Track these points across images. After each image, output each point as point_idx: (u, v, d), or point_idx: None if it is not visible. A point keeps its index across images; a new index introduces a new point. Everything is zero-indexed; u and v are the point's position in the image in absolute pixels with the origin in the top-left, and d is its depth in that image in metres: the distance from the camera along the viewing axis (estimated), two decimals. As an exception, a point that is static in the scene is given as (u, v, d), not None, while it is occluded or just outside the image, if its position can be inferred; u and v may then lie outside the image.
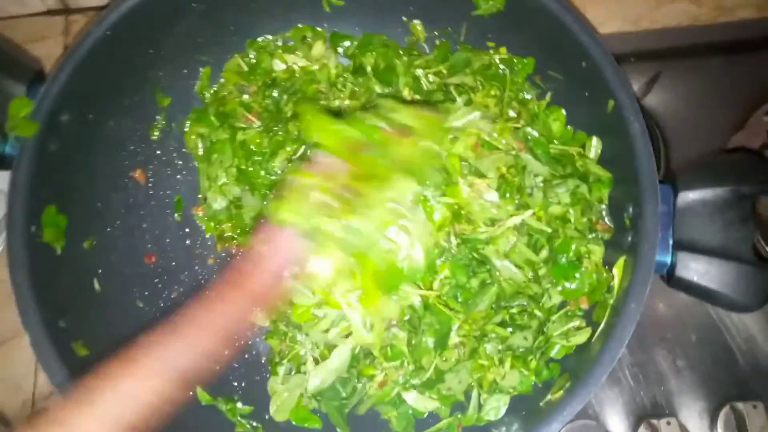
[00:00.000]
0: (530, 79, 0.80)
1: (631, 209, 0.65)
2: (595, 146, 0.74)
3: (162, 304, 0.79)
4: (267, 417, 0.73)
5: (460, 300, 0.71)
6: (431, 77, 0.82)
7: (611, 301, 0.64)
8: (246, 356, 0.79)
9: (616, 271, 0.65)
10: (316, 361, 0.73)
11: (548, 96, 0.79)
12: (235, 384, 0.77)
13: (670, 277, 0.64)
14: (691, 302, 0.86)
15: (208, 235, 0.84)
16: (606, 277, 0.68)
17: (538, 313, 0.71)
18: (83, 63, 0.69)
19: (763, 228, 0.71)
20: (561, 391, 0.61)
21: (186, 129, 0.84)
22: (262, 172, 0.81)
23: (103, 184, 0.76)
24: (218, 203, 0.82)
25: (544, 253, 0.72)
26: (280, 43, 0.86)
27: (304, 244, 0.60)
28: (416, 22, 0.83)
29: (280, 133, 0.81)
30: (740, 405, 0.79)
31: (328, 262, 0.62)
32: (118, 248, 0.76)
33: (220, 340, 0.53)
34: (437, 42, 0.84)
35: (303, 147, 0.79)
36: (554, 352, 0.69)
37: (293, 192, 0.61)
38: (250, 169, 0.81)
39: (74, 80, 0.69)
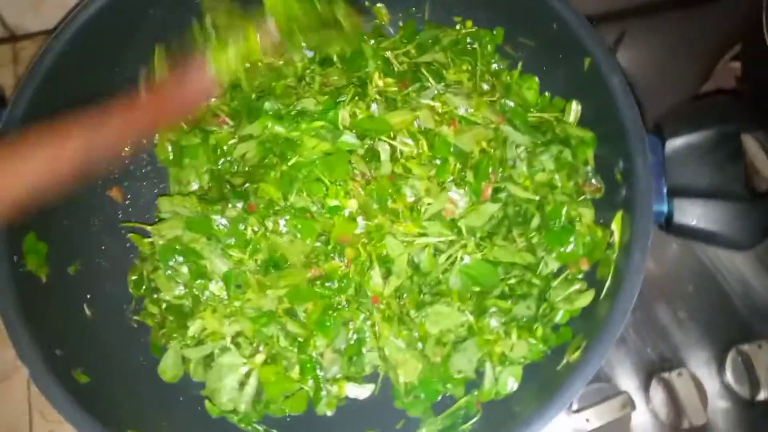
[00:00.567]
0: (501, 50, 0.80)
1: (621, 164, 0.65)
2: (574, 110, 0.74)
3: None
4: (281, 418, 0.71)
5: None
6: (401, 58, 0.81)
7: (614, 256, 0.64)
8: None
9: (615, 226, 0.65)
10: None
11: (520, 65, 0.79)
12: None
13: (669, 225, 0.64)
14: (683, 255, 0.87)
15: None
16: (602, 235, 0.68)
17: (535, 281, 0.70)
18: (44, 82, 0.67)
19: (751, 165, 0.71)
20: (578, 352, 0.61)
21: (156, 140, 0.82)
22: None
23: (79, 206, 0.74)
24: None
25: (535, 222, 0.72)
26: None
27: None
28: (380, 5, 0.82)
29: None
30: (745, 347, 0.80)
31: None
32: (104, 271, 0.74)
33: (125, 137, 0.63)
34: (400, 24, 0.83)
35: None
36: (559, 318, 0.69)
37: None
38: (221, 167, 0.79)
39: (37, 101, 0.67)
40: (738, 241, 0.62)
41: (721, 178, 0.62)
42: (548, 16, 0.69)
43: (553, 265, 0.71)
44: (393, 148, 0.73)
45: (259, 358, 0.70)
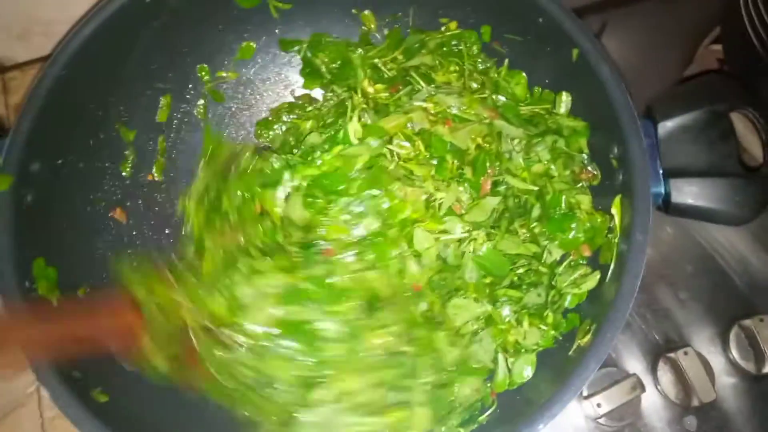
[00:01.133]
0: (487, 49, 0.81)
1: (616, 150, 0.66)
2: (564, 101, 0.75)
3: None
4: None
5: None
6: (389, 65, 0.82)
7: (616, 240, 0.65)
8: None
9: (615, 210, 0.66)
10: None
11: (506, 62, 0.80)
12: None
13: (667, 206, 0.65)
14: (680, 237, 0.89)
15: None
16: (601, 221, 0.69)
17: (543, 269, 0.71)
18: (43, 108, 0.67)
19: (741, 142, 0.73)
20: (588, 335, 0.62)
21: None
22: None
23: (84, 228, 0.74)
24: None
25: (536, 211, 0.73)
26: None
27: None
28: (367, 12, 0.83)
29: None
30: (747, 322, 0.82)
31: None
32: (111, 292, 0.74)
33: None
34: (386, 31, 0.85)
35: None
36: (567, 302, 0.70)
37: None
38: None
39: (37, 126, 0.67)
40: (735, 216, 0.64)
41: (715, 156, 0.64)
42: (533, 10, 0.70)
43: (557, 253, 0.72)
44: (391, 153, 0.74)
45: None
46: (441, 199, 0.71)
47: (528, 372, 0.69)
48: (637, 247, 0.60)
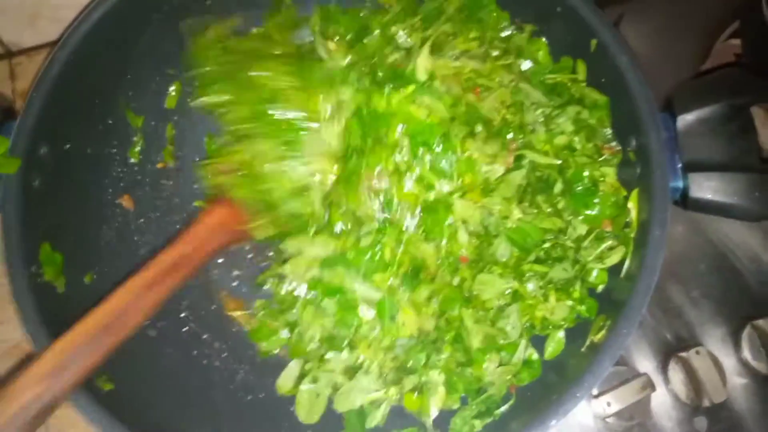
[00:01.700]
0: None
1: (634, 142, 0.65)
2: (581, 69, 0.73)
3: (172, 327, 0.76)
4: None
5: None
6: (408, 32, 0.79)
7: (632, 235, 0.64)
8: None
9: (632, 204, 0.65)
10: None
11: (527, 29, 0.77)
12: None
13: (685, 200, 0.64)
14: (693, 234, 0.88)
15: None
16: (624, 201, 0.68)
17: (570, 243, 0.70)
18: (52, 92, 0.66)
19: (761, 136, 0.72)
20: (603, 331, 0.61)
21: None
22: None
23: (91, 215, 0.73)
24: None
25: (558, 186, 0.71)
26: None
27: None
28: None
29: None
30: (760, 322, 0.81)
31: None
32: (118, 278, 0.73)
33: (158, 306, 0.63)
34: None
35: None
36: (593, 277, 0.68)
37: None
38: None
39: (46, 111, 0.66)
40: (754, 211, 0.63)
41: (735, 150, 0.63)
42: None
43: (581, 229, 0.70)
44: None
45: (408, 385, 0.69)
46: (487, 172, 0.71)
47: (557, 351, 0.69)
48: (654, 242, 0.59)
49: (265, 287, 0.77)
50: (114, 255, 0.74)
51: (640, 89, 0.63)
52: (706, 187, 0.63)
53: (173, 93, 0.82)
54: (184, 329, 0.77)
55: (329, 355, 0.71)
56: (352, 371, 0.70)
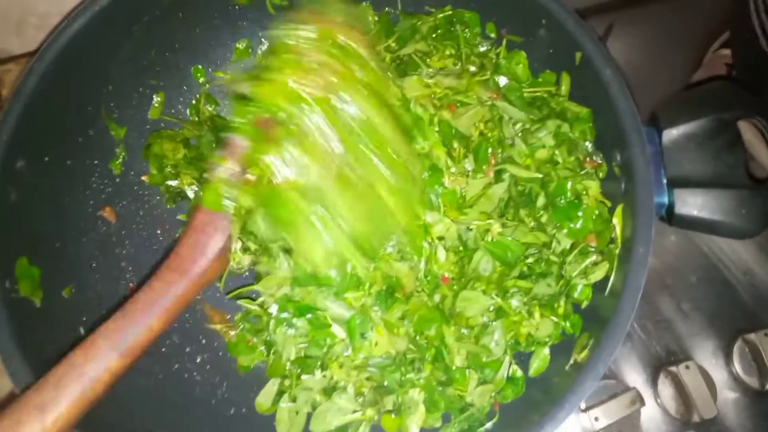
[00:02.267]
0: (483, 34, 0.78)
1: (618, 157, 0.64)
2: (566, 82, 0.73)
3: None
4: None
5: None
6: (383, 54, 0.79)
7: (616, 251, 0.63)
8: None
9: (616, 220, 0.64)
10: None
11: (504, 42, 0.77)
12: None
13: (670, 217, 0.63)
14: (684, 246, 0.87)
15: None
16: (608, 215, 0.67)
17: (553, 258, 0.69)
18: (29, 104, 0.65)
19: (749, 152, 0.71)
20: (586, 351, 0.60)
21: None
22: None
23: (71, 227, 0.72)
24: None
25: (541, 200, 0.70)
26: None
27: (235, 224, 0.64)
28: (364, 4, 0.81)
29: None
30: (752, 336, 0.80)
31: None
32: (99, 292, 0.72)
33: (164, 319, 0.60)
34: (375, 18, 0.82)
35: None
36: (577, 293, 0.67)
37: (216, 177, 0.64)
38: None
39: (23, 123, 0.65)
40: (741, 229, 0.62)
41: (721, 166, 0.62)
42: (536, 10, 0.68)
43: (565, 243, 0.69)
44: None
45: (387, 404, 0.68)
46: (464, 189, 0.71)
47: (541, 368, 0.68)
48: (638, 260, 0.58)
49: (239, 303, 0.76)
50: (94, 268, 0.73)
51: (625, 103, 0.62)
52: (691, 204, 0.62)
53: (156, 104, 0.81)
54: (166, 341, 0.76)
55: (304, 376, 0.70)
56: (329, 391, 0.69)
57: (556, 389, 0.61)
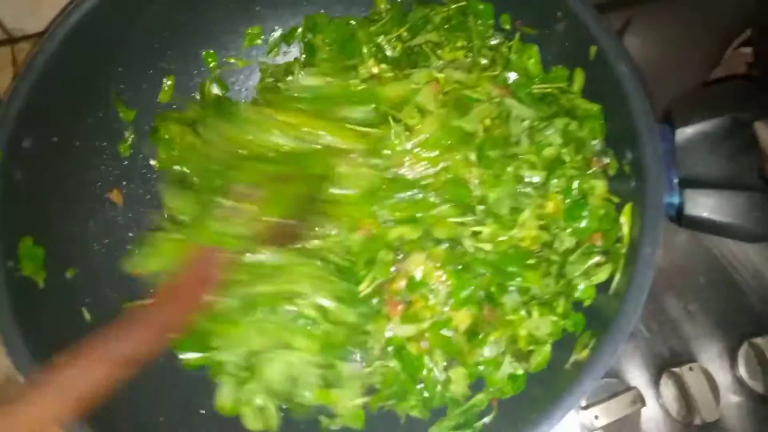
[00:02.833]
0: (497, 26, 0.77)
1: (629, 155, 0.63)
2: (578, 79, 0.71)
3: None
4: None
5: None
6: (394, 42, 0.79)
7: (623, 251, 0.62)
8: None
9: (624, 219, 0.63)
10: None
11: (517, 35, 0.75)
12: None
13: (680, 217, 0.62)
14: (693, 246, 0.86)
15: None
16: (615, 214, 0.66)
17: (554, 257, 0.68)
18: (38, 83, 0.66)
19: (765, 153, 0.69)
20: (587, 350, 0.59)
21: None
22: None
23: (77, 209, 0.72)
24: None
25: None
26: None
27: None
28: None
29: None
30: (758, 340, 0.79)
31: None
32: (103, 274, 0.73)
33: (156, 337, 0.61)
34: (387, 6, 0.81)
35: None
36: (579, 293, 0.66)
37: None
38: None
39: (31, 102, 0.65)
40: (753, 232, 0.61)
41: (734, 167, 0.61)
42: (552, 2, 0.67)
43: (569, 243, 0.69)
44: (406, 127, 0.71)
45: None
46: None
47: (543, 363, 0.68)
48: (644, 261, 0.57)
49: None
50: (99, 250, 0.74)
51: (638, 100, 0.61)
52: (702, 205, 0.61)
53: (167, 87, 0.80)
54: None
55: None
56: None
57: (557, 387, 0.60)
